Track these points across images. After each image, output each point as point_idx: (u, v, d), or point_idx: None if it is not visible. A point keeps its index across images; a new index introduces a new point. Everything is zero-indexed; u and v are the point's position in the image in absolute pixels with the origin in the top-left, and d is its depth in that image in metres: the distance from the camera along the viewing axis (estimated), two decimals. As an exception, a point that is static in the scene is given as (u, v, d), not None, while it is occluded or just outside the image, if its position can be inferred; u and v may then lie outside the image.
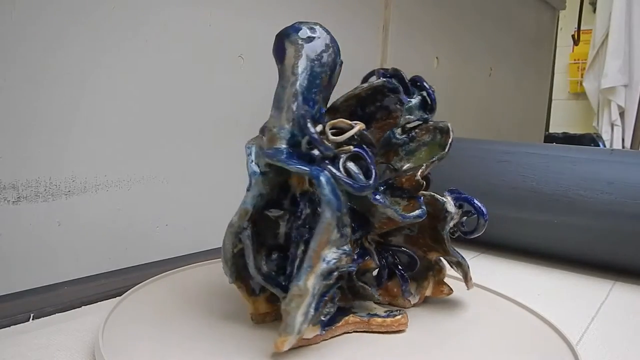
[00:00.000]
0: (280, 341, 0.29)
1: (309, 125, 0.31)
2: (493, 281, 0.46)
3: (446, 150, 0.38)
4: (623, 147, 2.18)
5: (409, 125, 0.40)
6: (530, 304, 0.40)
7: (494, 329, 0.37)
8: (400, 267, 0.39)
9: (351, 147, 0.32)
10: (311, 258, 0.29)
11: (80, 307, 0.39)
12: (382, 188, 0.36)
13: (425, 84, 0.41)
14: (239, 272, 0.34)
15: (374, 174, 0.32)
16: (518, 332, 0.36)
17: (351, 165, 0.32)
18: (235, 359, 0.31)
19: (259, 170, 0.31)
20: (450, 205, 0.37)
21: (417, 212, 0.35)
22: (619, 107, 2.23)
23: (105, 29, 0.44)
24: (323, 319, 0.32)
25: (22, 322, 0.36)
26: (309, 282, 0.29)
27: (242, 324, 0.35)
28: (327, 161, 0.31)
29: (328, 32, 0.33)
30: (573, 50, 2.46)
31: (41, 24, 0.40)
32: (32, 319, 0.36)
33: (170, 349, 0.31)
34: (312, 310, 0.30)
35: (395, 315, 0.35)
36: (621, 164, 0.53)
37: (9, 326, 0.35)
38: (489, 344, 0.35)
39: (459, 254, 0.38)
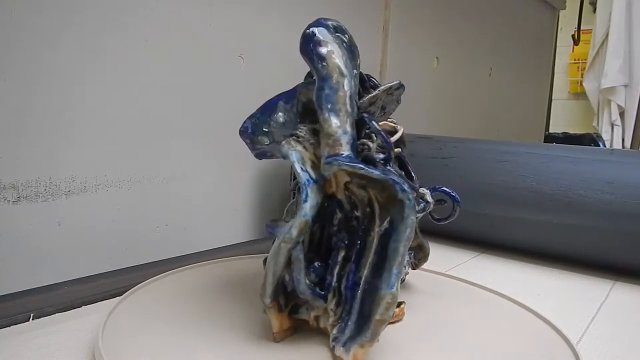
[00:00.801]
0: (362, 352, 0.29)
1: (376, 126, 0.29)
2: (493, 281, 0.46)
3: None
4: (623, 147, 2.18)
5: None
6: (530, 304, 0.40)
7: (494, 328, 0.37)
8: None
9: (399, 149, 0.31)
10: (400, 264, 0.28)
11: (81, 307, 0.39)
12: None
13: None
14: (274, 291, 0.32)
15: (414, 176, 0.33)
16: (518, 332, 0.36)
17: (397, 168, 0.31)
18: (236, 358, 0.31)
19: (313, 178, 0.29)
20: (429, 196, 0.38)
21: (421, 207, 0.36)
22: (619, 107, 2.22)
23: (106, 29, 0.44)
24: None
25: (22, 322, 0.36)
26: (399, 287, 0.28)
27: (243, 324, 0.35)
28: (389, 165, 0.30)
29: (350, 34, 0.32)
30: (573, 50, 2.46)
31: (41, 24, 0.40)
32: (32, 319, 0.36)
33: (170, 349, 0.31)
34: None
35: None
36: (621, 164, 0.53)
37: (9, 326, 0.35)
38: (489, 344, 0.35)
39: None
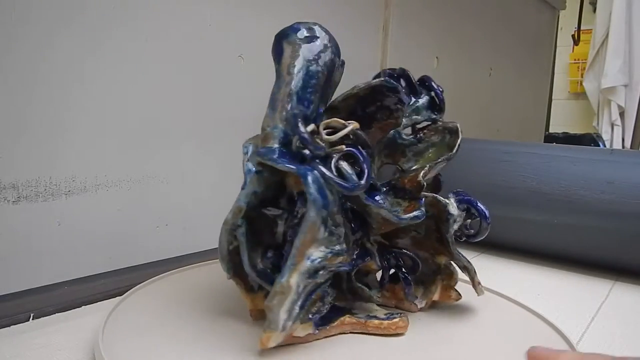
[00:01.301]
0: (265, 337, 0.29)
1: (300, 124, 0.31)
2: (493, 281, 0.46)
3: (454, 151, 0.38)
4: (623, 147, 2.18)
5: (418, 126, 0.40)
6: (530, 304, 0.40)
7: (494, 328, 0.37)
8: (403, 270, 0.39)
9: (343, 146, 0.31)
10: (295, 256, 0.29)
11: (80, 307, 0.39)
12: (384, 189, 0.36)
13: (433, 83, 0.40)
14: (236, 268, 0.34)
15: (366, 174, 0.31)
16: (518, 332, 0.36)
17: (344, 165, 0.31)
18: (235, 358, 0.31)
19: (253, 169, 0.31)
20: (452, 207, 0.37)
21: (414, 213, 0.34)
22: (619, 107, 2.22)
23: (106, 29, 0.44)
24: (311, 317, 0.32)
25: (22, 322, 0.36)
26: (292, 280, 0.29)
27: (242, 323, 0.35)
28: (318, 160, 0.30)
29: (327, 32, 0.33)
30: (573, 50, 2.46)
31: (41, 24, 0.40)
32: (32, 319, 0.36)
33: (170, 349, 0.31)
34: (297, 308, 0.30)
35: (394, 318, 0.35)
36: (621, 163, 0.53)
37: (9, 326, 0.35)
38: (489, 344, 0.35)
39: (464, 257, 0.38)
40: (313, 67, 0.32)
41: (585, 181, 0.53)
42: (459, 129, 0.38)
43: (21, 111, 0.39)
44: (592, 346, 0.37)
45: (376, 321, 0.34)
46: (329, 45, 0.33)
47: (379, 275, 0.39)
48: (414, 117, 0.39)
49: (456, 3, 0.97)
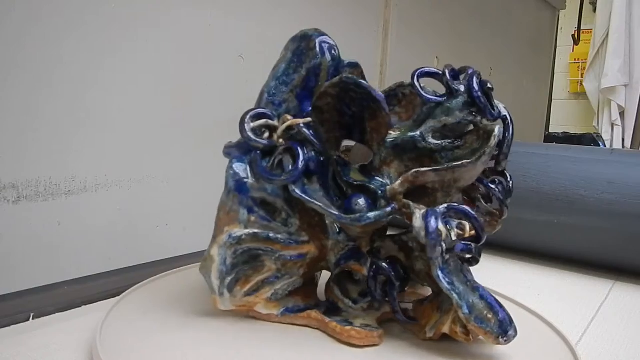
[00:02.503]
0: (212, 299, 0.34)
1: (247, 120, 0.34)
2: (493, 281, 0.46)
3: (472, 159, 0.32)
4: (623, 146, 2.18)
5: (449, 126, 0.35)
6: (530, 304, 0.40)
7: (494, 328, 0.37)
8: (389, 285, 0.34)
9: (282, 141, 0.34)
10: (214, 230, 0.34)
11: (81, 306, 0.39)
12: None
13: (473, 81, 0.34)
14: None
15: (293, 167, 0.33)
16: (518, 332, 0.36)
17: (287, 159, 0.33)
18: (235, 358, 0.31)
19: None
20: (416, 218, 0.31)
21: (359, 215, 0.31)
22: (619, 106, 2.22)
23: (105, 29, 0.44)
24: (273, 298, 0.35)
25: (22, 322, 0.36)
26: (213, 250, 0.33)
27: (242, 323, 0.35)
28: (259, 152, 0.34)
29: (320, 36, 0.34)
30: (573, 50, 2.46)
31: (41, 23, 0.40)
32: (32, 319, 0.36)
33: (168, 349, 0.31)
34: (227, 277, 0.33)
35: (365, 329, 0.33)
36: (621, 163, 0.53)
37: (9, 326, 0.35)
38: (488, 344, 0.35)
39: (449, 284, 0.31)
40: (290, 69, 0.35)
41: (586, 181, 0.53)
42: (494, 134, 0.32)
43: (21, 111, 0.39)
44: (592, 346, 0.37)
45: (337, 325, 0.33)
46: (315, 47, 0.34)
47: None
48: (444, 118, 0.34)
49: (456, 3, 0.97)
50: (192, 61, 0.51)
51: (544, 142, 1.56)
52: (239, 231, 0.33)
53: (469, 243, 0.31)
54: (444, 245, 0.30)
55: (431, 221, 0.30)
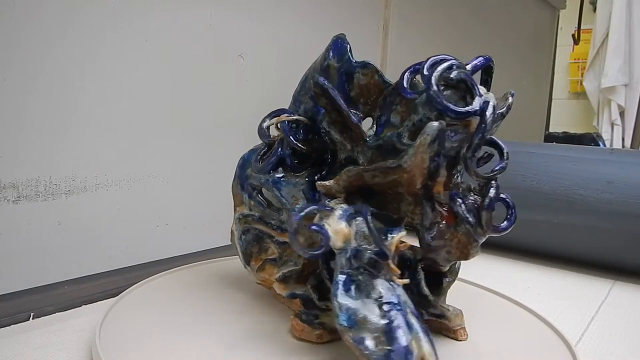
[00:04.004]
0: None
1: (264, 118, 0.37)
2: (493, 281, 0.46)
3: (395, 160, 0.29)
4: (623, 146, 2.18)
5: (416, 124, 0.32)
6: (530, 304, 0.40)
7: (493, 328, 0.37)
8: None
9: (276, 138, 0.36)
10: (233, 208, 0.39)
11: (81, 306, 0.39)
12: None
13: (433, 72, 0.30)
14: None
15: (266, 161, 0.36)
16: (517, 332, 0.36)
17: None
18: (235, 358, 0.31)
19: None
20: (333, 217, 0.29)
21: (298, 207, 0.31)
22: (619, 106, 2.23)
23: (105, 29, 0.44)
24: (289, 285, 0.36)
25: (22, 321, 0.36)
26: (233, 226, 0.38)
27: (242, 322, 0.35)
28: (265, 147, 0.37)
29: (337, 39, 0.35)
30: (573, 50, 2.46)
31: (41, 23, 0.40)
32: (32, 318, 0.36)
33: (168, 348, 0.31)
34: (244, 252, 0.37)
35: (309, 324, 0.33)
36: (621, 163, 0.53)
37: (9, 325, 0.35)
38: (488, 344, 0.35)
39: (337, 290, 0.28)
40: (309, 73, 0.36)
41: (585, 181, 0.53)
42: (426, 133, 0.28)
43: (21, 111, 0.39)
44: (592, 346, 0.37)
45: (295, 314, 0.34)
46: (327, 52, 0.35)
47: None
48: (412, 115, 0.32)
49: (456, 3, 0.97)
50: (192, 61, 0.51)
51: (544, 141, 1.56)
52: (245, 212, 0.36)
53: (374, 255, 0.28)
54: (348, 248, 0.28)
55: (335, 221, 0.29)
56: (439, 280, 0.33)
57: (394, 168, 0.29)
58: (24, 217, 0.40)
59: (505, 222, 0.31)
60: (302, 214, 0.29)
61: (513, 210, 0.31)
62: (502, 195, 0.31)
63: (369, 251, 0.28)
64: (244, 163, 0.38)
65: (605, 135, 2.23)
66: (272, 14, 0.59)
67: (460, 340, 0.34)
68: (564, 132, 2.04)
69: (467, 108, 0.29)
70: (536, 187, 0.56)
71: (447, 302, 0.42)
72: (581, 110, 2.60)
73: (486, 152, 0.32)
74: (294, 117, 0.36)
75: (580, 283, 0.52)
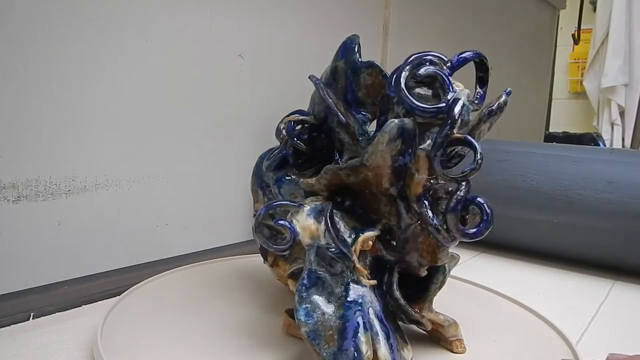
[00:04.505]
0: None
1: (283, 118, 0.39)
2: (493, 281, 0.46)
3: (358, 159, 0.29)
4: (623, 146, 2.18)
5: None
6: (530, 303, 0.40)
7: (494, 328, 0.37)
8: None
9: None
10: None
11: (81, 306, 0.39)
12: None
13: (400, 69, 0.30)
14: None
15: (271, 159, 0.37)
16: (518, 331, 0.37)
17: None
18: (234, 358, 0.31)
19: None
20: (301, 212, 0.30)
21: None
22: (619, 106, 2.23)
23: (105, 29, 0.44)
24: None
25: (23, 321, 0.36)
26: (254, 222, 0.34)
27: (242, 322, 0.35)
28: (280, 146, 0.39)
29: (347, 40, 0.36)
30: (573, 50, 2.46)
31: (40, 24, 0.40)
32: (32, 318, 0.36)
33: (168, 348, 0.31)
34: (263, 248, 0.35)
35: (296, 320, 0.32)
36: (621, 163, 0.53)
37: (9, 325, 0.35)
38: (489, 344, 0.35)
39: (302, 284, 0.29)
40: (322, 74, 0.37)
41: (585, 181, 0.53)
42: (385, 131, 0.28)
43: (21, 111, 0.39)
44: (592, 346, 0.37)
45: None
46: (336, 54, 0.36)
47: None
48: (393, 114, 0.33)
49: (456, 3, 0.97)
50: (192, 61, 0.51)
51: (544, 141, 1.56)
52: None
53: (332, 253, 0.29)
54: (315, 245, 0.29)
55: (303, 218, 0.29)
56: (424, 286, 0.32)
57: (359, 167, 0.29)
58: (24, 217, 0.40)
59: (476, 227, 0.29)
60: (266, 209, 0.30)
61: (487, 216, 0.29)
62: (479, 200, 0.29)
63: (330, 249, 0.28)
64: (260, 161, 0.39)
65: (605, 135, 2.23)
66: (272, 14, 0.59)
67: (456, 353, 0.33)
68: (564, 132, 2.04)
69: (432, 105, 0.28)
70: (536, 187, 0.56)
71: (446, 304, 0.42)
72: (581, 110, 2.60)
73: (456, 151, 0.30)
74: (300, 118, 0.36)
75: (580, 283, 0.52)
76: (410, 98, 0.29)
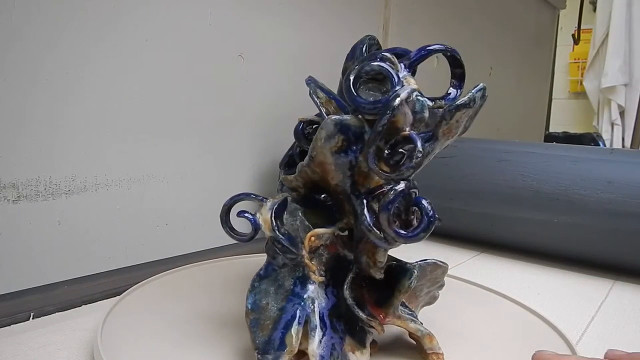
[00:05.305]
0: None
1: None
2: (493, 281, 0.46)
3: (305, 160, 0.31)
4: (623, 146, 2.18)
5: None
6: (530, 303, 0.40)
7: (494, 328, 0.37)
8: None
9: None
10: None
11: (81, 306, 0.39)
12: None
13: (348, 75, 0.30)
14: None
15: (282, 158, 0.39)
16: (518, 331, 0.37)
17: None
18: (234, 358, 0.31)
19: None
20: (264, 207, 0.31)
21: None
22: (619, 106, 2.22)
23: (106, 29, 0.44)
24: None
25: (23, 321, 0.36)
26: None
27: (241, 323, 0.35)
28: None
29: (354, 45, 0.38)
30: (573, 50, 2.46)
31: (41, 23, 0.40)
32: (33, 318, 0.36)
33: (168, 348, 0.31)
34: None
35: None
36: (621, 163, 0.53)
37: (9, 325, 0.35)
38: (489, 344, 0.35)
39: (257, 276, 0.30)
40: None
41: (585, 181, 0.53)
42: (322, 128, 0.29)
43: (21, 110, 0.39)
44: (592, 345, 0.37)
45: None
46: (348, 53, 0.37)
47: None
48: None
49: (456, 3, 0.97)
50: (192, 61, 0.51)
51: (544, 141, 1.56)
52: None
53: (274, 246, 0.29)
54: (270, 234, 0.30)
55: (265, 211, 0.30)
56: (389, 290, 0.31)
57: (309, 163, 0.30)
58: (24, 217, 0.40)
59: (414, 229, 0.27)
60: (230, 200, 0.32)
61: (426, 217, 0.27)
62: (423, 202, 0.27)
63: (275, 243, 0.29)
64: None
65: (605, 135, 2.23)
66: (272, 14, 0.59)
67: None
68: (564, 132, 2.04)
69: (370, 100, 0.28)
70: (536, 187, 0.56)
71: (447, 304, 0.41)
72: (581, 110, 2.60)
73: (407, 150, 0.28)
74: (308, 119, 0.37)
75: (580, 283, 0.52)
76: (353, 94, 0.28)
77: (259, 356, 0.27)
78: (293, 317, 0.27)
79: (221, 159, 0.56)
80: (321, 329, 0.28)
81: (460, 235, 0.64)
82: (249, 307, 0.29)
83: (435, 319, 0.38)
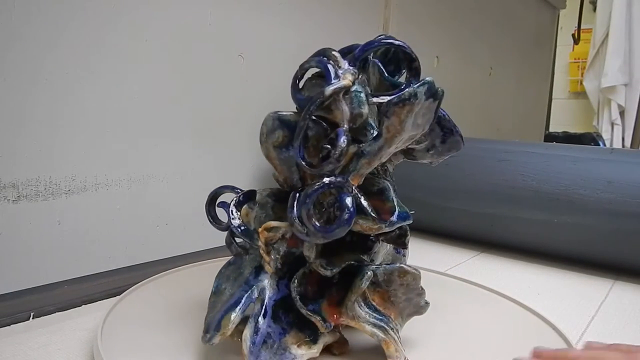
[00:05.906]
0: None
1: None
2: (493, 281, 0.46)
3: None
4: (623, 146, 2.18)
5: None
6: (530, 303, 0.40)
7: (494, 328, 0.37)
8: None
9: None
10: None
11: (81, 305, 0.39)
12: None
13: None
14: None
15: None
16: (518, 331, 0.37)
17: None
18: (233, 358, 0.31)
19: None
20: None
21: None
22: (619, 106, 2.22)
23: (106, 29, 0.44)
24: None
25: (23, 321, 0.36)
26: None
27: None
28: None
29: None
30: (573, 49, 2.46)
31: (41, 24, 0.40)
32: (33, 318, 0.36)
33: (168, 348, 0.31)
34: None
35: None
36: (621, 163, 0.53)
37: (10, 325, 0.35)
38: (489, 343, 0.35)
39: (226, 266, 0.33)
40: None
41: (585, 181, 0.53)
42: (263, 124, 0.31)
43: (21, 110, 0.39)
44: (592, 346, 0.37)
45: None
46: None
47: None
48: None
49: (456, 3, 0.97)
50: (192, 61, 0.51)
51: (544, 141, 1.56)
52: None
53: (242, 235, 0.32)
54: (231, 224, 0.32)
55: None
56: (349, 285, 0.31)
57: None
58: (24, 217, 0.40)
59: (331, 225, 0.27)
60: (212, 192, 0.35)
61: (343, 213, 0.26)
62: (345, 199, 0.27)
63: (233, 233, 0.32)
64: None
65: (605, 135, 2.23)
66: (272, 14, 0.59)
67: None
68: (564, 132, 2.04)
69: (305, 96, 0.29)
70: (536, 187, 0.56)
71: (447, 304, 0.41)
72: (581, 110, 2.60)
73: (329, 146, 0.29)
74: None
75: (580, 282, 0.52)
76: (293, 90, 0.30)
77: (203, 335, 0.28)
78: (237, 302, 0.29)
79: (221, 159, 0.56)
80: (262, 317, 0.29)
81: (460, 235, 0.64)
82: (213, 290, 0.31)
83: (435, 318, 0.38)
